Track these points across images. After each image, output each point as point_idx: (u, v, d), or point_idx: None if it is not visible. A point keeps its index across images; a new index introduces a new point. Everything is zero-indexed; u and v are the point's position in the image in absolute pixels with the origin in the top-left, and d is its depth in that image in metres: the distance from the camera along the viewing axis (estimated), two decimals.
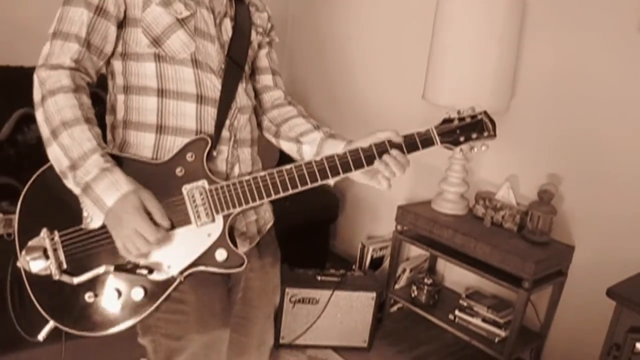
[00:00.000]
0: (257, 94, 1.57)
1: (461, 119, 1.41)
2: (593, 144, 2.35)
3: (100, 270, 1.25)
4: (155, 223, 1.20)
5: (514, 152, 2.61)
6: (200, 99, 1.33)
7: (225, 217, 1.29)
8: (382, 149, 1.35)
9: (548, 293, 2.47)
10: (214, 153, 1.34)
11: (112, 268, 1.25)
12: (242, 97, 1.43)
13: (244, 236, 1.44)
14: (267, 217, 1.57)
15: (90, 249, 1.26)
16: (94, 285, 1.27)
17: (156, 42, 1.29)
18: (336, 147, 1.39)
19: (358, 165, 1.33)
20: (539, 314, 2.54)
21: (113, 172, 1.20)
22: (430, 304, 2.62)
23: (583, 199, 2.41)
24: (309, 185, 1.31)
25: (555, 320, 2.51)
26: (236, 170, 1.40)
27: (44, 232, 1.25)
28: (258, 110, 1.57)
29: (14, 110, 2.33)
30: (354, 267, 2.73)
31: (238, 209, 1.30)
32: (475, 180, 2.73)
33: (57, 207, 1.28)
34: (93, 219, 1.24)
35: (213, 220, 1.28)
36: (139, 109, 1.32)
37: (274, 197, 1.31)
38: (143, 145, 1.33)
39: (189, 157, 1.29)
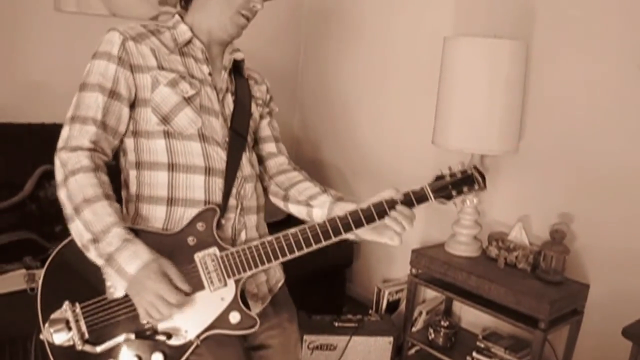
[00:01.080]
0: (261, 161, 1.66)
1: (452, 175, 1.52)
2: (603, 180, 2.39)
3: (121, 338, 1.32)
4: (175, 287, 1.28)
5: (525, 193, 2.65)
6: (209, 170, 1.42)
7: (237, 281, 1.37)
8: (380, 208, 1.43)
9: (565, 332, 2.47)
10: (223, 221, 1.42)
11: (132, 336, 1.32)
12: (246, 166, 1.51)
13: (255, 297, 1.51)
14: (278, 275, 1.64)
15: (111, 318, 1.33)
16: (116, 352, 1.33)
17: (165, 119, 1.40)
18: (345, 209, 1.45)
19: (358, 225, 1.41)
20: (557, 353, 2.53)
21: (134, 242, 1.28)
22: (448, 346, 2.62)
23: (596, 237, 2.42)
24: (314, 247, 1.39)
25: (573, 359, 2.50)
26: (243, 236, 1.48)
27: (66, 305, 1.32)
28: (264, 177, 1.67)
29: (36, 167, 2.41)
30: (370, 311, 2.75)
31: (248, 273, 1.37)
32: (488, 222, 2.76)
33: (77, 280, 1.35)
34: (117, 288, 1.31)
35: (225, 284, 1.36)
36: (150, 183, 1.42)
37: (281, 260, 1.38)
38: (155, 217, 1.41)
39: (200, 226, 1.38)
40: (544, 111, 2.56)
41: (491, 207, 2.77)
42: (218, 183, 1.43)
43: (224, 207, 1.43)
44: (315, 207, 1.55)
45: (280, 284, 1.65)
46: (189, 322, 1.34)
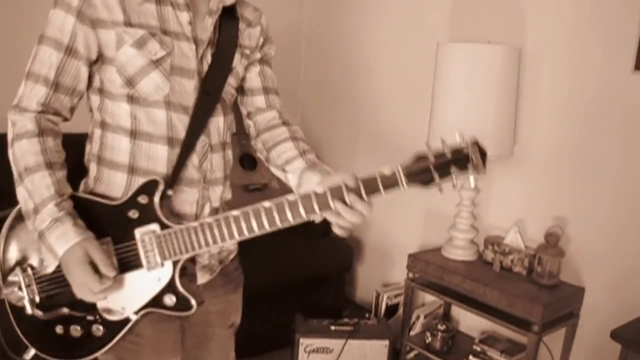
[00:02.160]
0: (249, 117, 1.57)
1: (439, 155, 1.28)
2: (597, 183, 2.40)
3: (65, 309, 1.34)
4: (100, 274, 1.26)
5: (521, 196, 2.67)
6: (171, 142, 1.34)
7: (175, 262, 1.32)
8: (338, 194, 1.27)
9: (562, 335, 2.48)
10: (169, 193, 1.35)
11: (74, 307, 1.33)
12: (214, 134, 1.42)
13: (205, 268, 1.46)
14: (231, 248, 1.58)
15: (58, 287, 1.33)
16: (62, 319, 1.35)
17: (130, 82, 1.30)
18: (311, 180, 1.36)
19: (309, 212, 1.27)
20: (554, 356, 2.54)
21: (64, 222, 1.25)
22: (445, 350, 2.64)
23: (591, 240, 2.43)
24: (257, 233, 1.29)
25: None
26: (206, 210, 1.42)
27: (17, 269, 1.33)
28: (252, 134, 1.58)
29: None
30: (367, 315, 2.77)
31: (186, 255, 1.32)
32: (484, 226, 2.78)
33: (31, 245, 1.35)
34: (49, 264, 1.32)
35: (162, 265, 1.32)
36: (112, 147, 1.35)
37: (220, 244, 1.31)
38: (114, 183, 1.36)
39: (141, 199, 1.32)
40: (537, 115, 2.57)
41: (487, 211, 2.80)
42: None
43: (173, 179, 1.35)
44: (289, 172, 1.45)
45: (232, 256, 1.59)
46: (126, 299, 1.33)
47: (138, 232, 1.31)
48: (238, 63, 1.47)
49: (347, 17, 3.45)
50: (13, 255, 1.37)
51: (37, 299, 1.35)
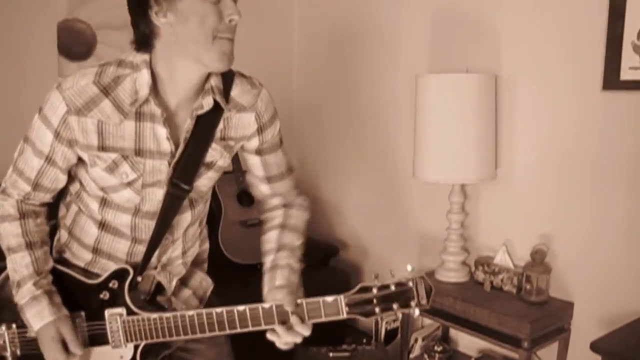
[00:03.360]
0: (256, 194, 1.66)
1: (382, 287, 1.35)
2: (577, 200, 2.49)
3: None
4: (68, 351, 1.40)
5: (507, 217, 2.75)
6: (134, 240, 1.50)
7: (136, 346, 1.45)
8: (283, 316, 1.36)
9: (555, 349, 2.54)
10: (139, 279, 1.49)
11: None
12: (179, 231, 1.54)
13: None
14: (205, 285, 1.71)
15: (35, 349, 1.44)
16: None
17: (103, 190, 1.43)
18: (264, 289, 1.47)
19: (256, 325, 1.37)
20: None
21: (40, 301, 1.40)
22: None
23: (576, 255, 2.51)
24: (208, 335, 1.42)
25: None
26: (173, 283, 1.58)
27: (3, 327, 1.46)
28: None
29: None
30: (364, 341, 2.85)
31: (144, 342, 1.44)
32: (475, 247, 2.86)
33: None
34: (30, 331, 1.44)
35: (125, 346, 1.44)
36: (82, 228, 1.51)
37: (178, 337, 1.43)
38: (80, 257, 1.53)
39: (112, 284, 1.46)
40: (516, 138, 2.67)
41: (477, 232, 2.88)
42: (142, 250, 1.49)
43: (142, 267, 1.49)
44: (266, 263, 1.55)
45: (209, 292, 1.71)
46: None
47: (107, 313, 1.45)
48: (218, 156, 1.49)
49: (337, 52, 3.59)
50: (1, 312, 1.50)
51: (19, 353, 1.47)
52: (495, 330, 2.41)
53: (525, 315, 2.34)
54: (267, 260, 1.54)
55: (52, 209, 1.58)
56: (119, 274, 1.47)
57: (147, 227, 1.48)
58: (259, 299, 2.90)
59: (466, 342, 2.94)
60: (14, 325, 1.47)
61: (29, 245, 1.44)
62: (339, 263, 3.50)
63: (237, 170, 3.36)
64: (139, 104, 1.35)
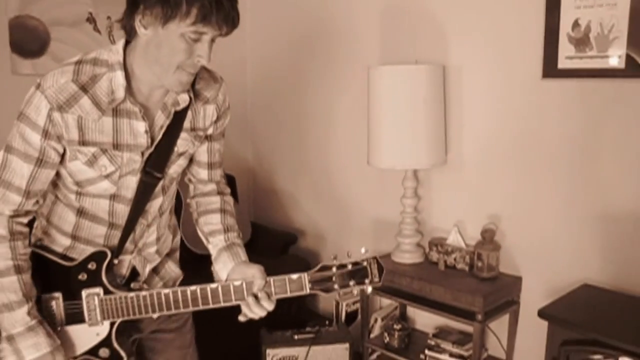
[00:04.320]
0: (190, 181, 1.72)
1: (340, 267, 1.48)
2: (522, 181, 2.66)
3: None
4: None
5: (458, 199, 2.91)
6: (111, 225, 1.56)
7: (112, 323, 1.53)
8: (251, 290, 1.49)
9: (506, 321, 2.71)
10: (115, 261, 1.57)
11: None
12: (150, 214, 1.60)
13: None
14: (174, 274, 1.79)
15: None
16: None
17: (79, 184, 1.48)
18: (226, 264, 1.57)
19: (227, 301, 1.48)
20: (502, 342, 2.77)
21: (37, 333, 1.44)
22: (403, 347, 2.85)
23: (523, 233, 2.69)
24: (182, 310, 1.51)
25: (517, 346, 2.74)
26: (147, 268, 1.66)
27: None
28: (190, 192, 1.74)
29: None
30: (327, 323, 2.97)
31: (121, 319, 1.52)
32: (428, 229, 3.02)
33: None
34: (6, 357, 1.46)
35: (102, 323, 1.52)
36: (60, 216, 1.55)
37: (151, 314, 1.51)
38: (59, 243, 1.57)
39: (90, 265, 1.52)
40: (464, 125, 2.83)
41: (430, 215, 3.03)
42: (117, 235, 1.56)
43: (118, 251, 1.57)
44: (210, 244, 1.64)
45: (178, 282, 1.79)
46: (67, 345, 1.52)
47: (84, 293, 1.52)
48: (190, 145, 1.59)
49: (290, 46, 3.68)
50: None
51: None
52: (450, 305, 2.56)
53: (477, 290, 2.51)
54: (218, 239, 1.62)
55: None
56: (97, 256, 1.53)
57: (123, 212, 1.54)
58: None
59: (423, 319, 3.10)
60: None
61: (17, 269, 1.44)
62: (298, 250, 3.61)
63: None
64: (116, 104, 1.42)
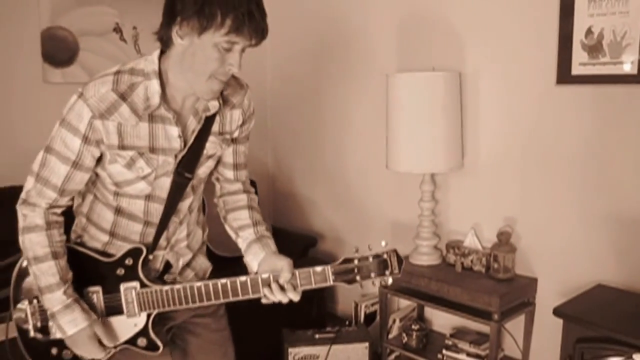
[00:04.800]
0: (217, 180, 1.82)
1: (362, 259, 1.58)
2: (537, 184, 2.73)
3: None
4: (102, 344, 1.61)
5: (474, 202, 2.98)
6: (146, 223, 1.67)
7: (149, 314, 1.64)
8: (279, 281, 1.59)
9: (522, 321, 2.77)
10: (150, 257, 1.68)
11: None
12: (182, 211, 1.71)
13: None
14: (204, 266, 1.89)
15: None
16: (57, 343, 1.65)
17: (117, 185, 1.59)
18: (257, 255, 1.68)
19: (255, 292, 1.59)
20: (518, 342, 2.83)
21: (73, 309, 1.56)
22: (420, 347, 2.91)
23: (538, 235, 2.75)
24: (215, 302, 1.62)
25: (533, 346, 2.79)
26: (181, 262, 1.77)
27: (26, 302, 1.65)
28: (216, 191, 1.84)
29: None
30: (347, 323, 3.04)
31: (157, 310, 1.64)
32: (446, 232, 3.08)
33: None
34: (55, 333, 1.62)
35: (139, 315, 1.64)
36: (99, 214, 1.67)
37: (185, 306, 1.62)
38: (97, 239, 1.68)
39: (127, 261, 1.64)
40: (480, 129, 2.91)
41: (447, 219, 3.10)
42: (152, 232, 1.68)
43: (153, 247, 1.68)
44: (240, 237, 1.74)
45: (208, 273, 1.90)
46: (108, 335, 1.64)
47: (122, 287, 1.63)
48: (218, 148, 1.69)
49: (310, 54, 3.77)
50: (25, 288, 1.68)
51: (39, 325, 1.65)
52: (467, 306, 2.63)
53: (494, 291, 2.57)
54: (247, 233, 1.73)
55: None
56: (133, 253, 1.64)
57: (157, 211, 1.66)
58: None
59: (440, 321, 3.16)
60: (35, 300, 1.65)
61: (55, 255, 1.56)
62: (318, 253, 3.68)
63: None
64: (152, 110, 1.53)
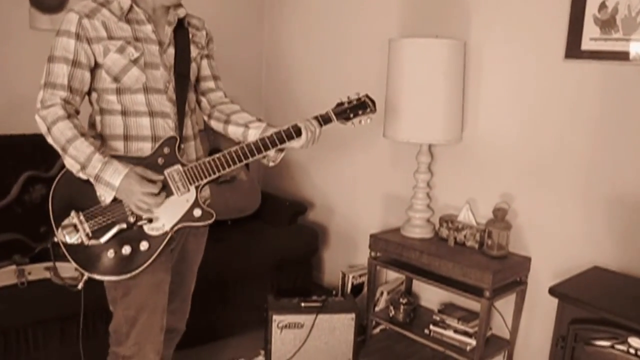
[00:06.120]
0: (203, 95, 2.11)
1: (350, 102, 2.05)
2: (537, 161, 2.66)
3: (116, 229, 1.79)
4: (153, 181, 1.79)
5: (471, 177, 2.90)
6: (151, 113, 1.87)
7: (197, 187, 1.86)
8: (296, 127, 1.94)
9: (512, 300, 2.72)
10: (182, 145, 1.90)
11: (125, 225, 1.79)
12: (191, 102, 2.01)
13: None
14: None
15: (107, 218, 1.80)
16: (113, 244, 1.79)
17: (116, 79, 1.83)
18: (267, 128, 2.00)
19: (289, 138, 1.93)
20: (507, 322, 2.78)
21: (112, 162, 1.75)
22: (407, 321, 2.87)
23: (535, 213, 2.69)
24: (251, 159, 1.90)
25: (522, 326, 2.75)
26: (193, 156, 2.00)
27: (73, 213, 1.79)
28: (206, 106, 2.12)
29: (20, 174, 2.62)
30: (334, 293, 2.98)
31: (204, 180, 1.86)
32: (439, 206, 3.02)
33: (76, 196, 1.81)
34: (106, 197, 1.78)
35: (188, 190, 1.85)
36: (110, 125, 1.88)
37: (227, 169, 1.87)
38: (115, 149, 1.86)
39: (165, 150, 1.85)
40: (481, 103, 2.82)
41: (442, 192, 3.03)
42: (160, 122, 1.88)
43: (180, 134, 1.90)
44: (252, 128, 2.02)
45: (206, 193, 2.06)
46: (165, 218, 1.83)
47: (166, 172, 1.84)
48: (196, 55, 2.02)
49: (309, 15, 3.66)
50: (62, 205, 1.81)
51: (91, 231, 1.79)
52: (458, 281, 2.57)
53: (487, 267, 2.51)
54: (259, 124, 2.04)
55: None
56: (168, 142, 1.85)
57: (158, 102, 1.87)
58: (233, 253, 3.06)
59: (428, 295, 3.11)
60: (80, 213, 1.79)
61: (83, 135, 1.76)
62: (307, 222, 3.61)
63: (207, 128, 3.41)
64: (126, 12, 1.83)
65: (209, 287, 2.65)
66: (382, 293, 3.03)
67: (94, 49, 1.80)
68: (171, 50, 1.92)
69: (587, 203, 2.51)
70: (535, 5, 2.59)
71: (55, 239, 1.80)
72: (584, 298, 2.08)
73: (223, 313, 2.97)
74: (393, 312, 2.89)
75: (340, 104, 2.05)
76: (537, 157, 2.65)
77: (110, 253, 1.79)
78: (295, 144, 1.96)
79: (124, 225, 1.79)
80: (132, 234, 1.81)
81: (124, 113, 1.86)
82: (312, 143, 1.98)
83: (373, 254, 2.93)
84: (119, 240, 1.80)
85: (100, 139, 1.88)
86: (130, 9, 1.84)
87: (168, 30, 1.91)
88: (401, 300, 2.88)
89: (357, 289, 3.23)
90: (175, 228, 1.84)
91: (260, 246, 3.14)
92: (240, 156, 1.88)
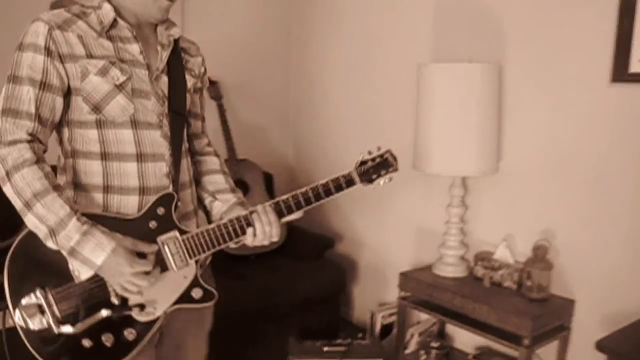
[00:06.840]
0: (188, 137, 1.70)
1: (373, 160, 1.71)
2: (582, 195, 2.43)
3: (99, 315, 1.42)
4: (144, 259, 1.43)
5: (508, 211, 2.70)
6: (140, 157, 1.48)
7: (197, 261, 1.52)
8: (307, 194, 1.62)
9: (554, 348, 2.49)
10: (179, 204, 1.54)
11: (108, 312, 1.43)
12: (184, 145, 1.63)
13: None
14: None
15: (84, 300, 1.43)
16: (91, 331, 1.42)
17: (96, 108, 1.44)
18: (241, 212, 1.59)
19: (303, 205, 1.60)
20: None
21: (94, 234, 1.37)
22: None
23: (579, 252, 2.46)
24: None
25: None
26: (180, 210, 1.58)
27: (38, 292, 1.41)
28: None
29: None
30: (360, 335, 2.80)
31: (206, 253, 1.52)
32: (474, 242, 2.80)
33: (42, 267, 1.43)
34: (82, 273, 1.41)
35: (187, 264, 1.50)
36: (85, 172, 1.47)
37: (229, 243, 1.54)
38: (92, 204, 1.47)
39: (159, 211, 1.48)
40: (520, 131, 2.62)
41: (477, 227, 2.82)
42: (150, 168, 1.50)
43: (176, 188, 1.54)
44: (219, 200, 1.69)
45: (208, 261, 1.72)
46: (157, 299, 1.48)
47: (160, 240, 1.48)
48: (191, 85, 1.66)
49: (338, 38, 3.53)
50: (20, 278, 1.43)
51: (60, 315, 1.42)
52: (494, 327, 2.36)
53: (526, 312, 2.29)
54: (228, 197, 1.70)
55: None
56: (164, 200, 1.50)
57: (150, 139, 1.50)
58: (256, 289, 2.91)
59: (463, 338, 2.90)
60: (48, 290, 1.42)
61: (55, 187, 1.39)
62: (334, 256, 3.44)
63: (232, 158, 3.30)
64: (107, 27, 1.47)
65: (228, 328, 2.49)
66: (412, 335, 2.83)
67: (68, 69, 1.41)
68: (164, 79, 1.55)
69: (638, 241, 2.27)
70: (577, 24, 2.38)
71: (12, 322, 1.43)
72: (637, 357, 1.84)
73: (244, 356, 2.81)
74: (424, 356, 2.69)
75: (363, 162, 1.71)
76: (582, 190, 2.43)
77: (86, 342, 1.42)
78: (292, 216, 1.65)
79: (109, 312, 1.43)
80: (115, 318, 1.45)
81: (105, 156, 1.46)
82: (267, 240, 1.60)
83: (403, 293, 2.73)
84: (97, 326, 1.43)
85: (72, 189, 1.49)
86: (113, 23, 1.47)
87: (163, 54, 1.55)
88: (433, 343, 2.68)
89: (387, 328, 3.04)
90: (169, 311, 1.51)
91: (285, 284, 2.98)
92: (240, 230, 1.55)
